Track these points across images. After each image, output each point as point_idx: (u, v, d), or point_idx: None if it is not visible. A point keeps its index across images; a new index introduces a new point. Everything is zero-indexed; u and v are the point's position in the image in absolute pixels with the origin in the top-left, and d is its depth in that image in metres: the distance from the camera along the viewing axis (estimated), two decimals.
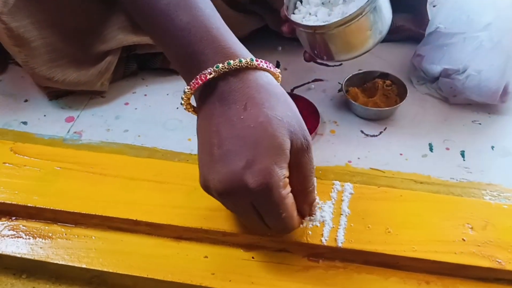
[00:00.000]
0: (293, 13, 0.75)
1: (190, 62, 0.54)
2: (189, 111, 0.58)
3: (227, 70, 0.52)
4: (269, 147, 0.50)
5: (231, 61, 0.52)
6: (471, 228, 0.61)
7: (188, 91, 0.54)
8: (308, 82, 0.91)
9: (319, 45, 0.73)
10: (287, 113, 0.52)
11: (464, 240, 0.59)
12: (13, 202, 0.64)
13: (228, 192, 0.51)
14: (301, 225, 0.59)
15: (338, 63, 0.94)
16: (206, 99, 0.54)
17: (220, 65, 0.52)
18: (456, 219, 0.62)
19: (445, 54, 0.84)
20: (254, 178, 0.50)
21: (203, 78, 0.53)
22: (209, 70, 0.52)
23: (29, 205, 0.64)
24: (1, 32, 0.77)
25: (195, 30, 0.54)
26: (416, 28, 0.96)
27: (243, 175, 0.50)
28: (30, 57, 0.79)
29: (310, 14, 0.73)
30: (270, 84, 0.54)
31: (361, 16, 0.67)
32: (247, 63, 0.52)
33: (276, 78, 0.56)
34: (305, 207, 0.58)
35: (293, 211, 0.55)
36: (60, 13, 0.82)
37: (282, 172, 0.51)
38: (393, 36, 0.94)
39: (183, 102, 0.56)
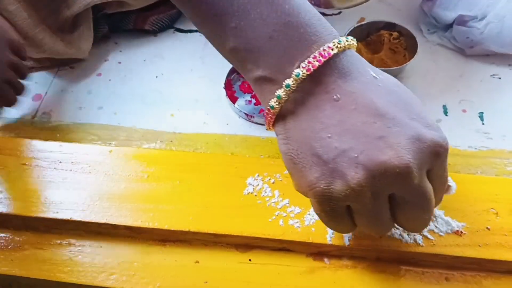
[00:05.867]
0: None
1: (296, 43, 0.42)
2: (271, 123, 0.46)
3: (346, 45, 0.42)
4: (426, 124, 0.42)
5: (343, 39, 0.42)
6: (496, 213, 0.53)
7: (301, 76, 0.42)
8: None
9: None
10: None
11: (488, 229, 0.52)
12: None
13: (386, 174, 0.40)
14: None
15: (337, 11, 0.82)
16: (318, 85, 0.43)
17: (343, 39, 0.42)
18: (478, 203, 0.54)
19: None
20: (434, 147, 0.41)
21: (325, 55, 0.41)
22: (330, 46, 0.42)
23: None
24: None
25: (302, 10, 0.43)
26: None
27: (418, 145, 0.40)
28: (16, 23, 0.69)
29: None
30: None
31: None
32: (351, 41, 0.43)
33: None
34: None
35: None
36: None
37: None
38: None
39: (276, 103, 0.43)
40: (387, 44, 0.74)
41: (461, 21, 0.73)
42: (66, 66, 0.78)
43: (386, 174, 0.39)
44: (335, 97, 0.42)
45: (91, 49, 0.79)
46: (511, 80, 0.71)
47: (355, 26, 0.75)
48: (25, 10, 0.70)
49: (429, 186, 0.42)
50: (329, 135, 0.41)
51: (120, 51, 0.80)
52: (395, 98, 0.42)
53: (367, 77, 0.43)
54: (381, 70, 0.70)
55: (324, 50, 0.42)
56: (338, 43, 0.42)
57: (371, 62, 0.72)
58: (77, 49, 0.76)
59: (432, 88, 0.72)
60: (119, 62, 0.79)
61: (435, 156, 0.41)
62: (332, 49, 0.42)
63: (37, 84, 0.77)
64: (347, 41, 0.42)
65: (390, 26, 0.75)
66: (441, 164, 0.42)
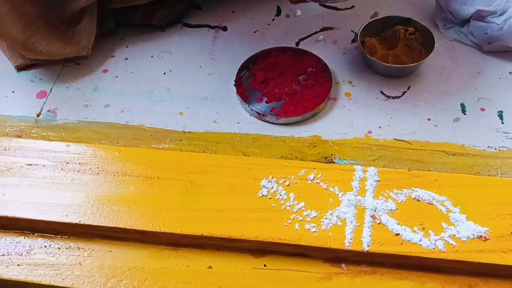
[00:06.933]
0: None
1: None
2: None
3: None
4: None
5: None
6: None
7: None
8: (316, 32, 0.77)
9: None
10: None
11: None
12: None
13: None
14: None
15: (350, 5, 0.80)
16: None
17: None
18: (502, 207, 0.52)
19: None
20: None
21: None
22: None
23: None
24: None
25: None
26: None
27: None
28: (4, 26, 0.67)
29: None
30: None
31: None
32: None
33: None
34: None
35: None
36: None
37: None
38: None
39: None
40: (402, 39, 0.71)
41: (479, 16, 0.70)
42: (72, 63, 0.76)
43: None
44: None
45: (97, 44, 0.77)
46: None
47: (369, 21, 0.73)
48: (15, 10, 0.67)
49: None
50: None
51: (127, 46, 0.78)
52: None
53: None
54: (397, 67, 0.69)
55: None
56: None
57: (386, 58, 0.70)
58: (77, 46, 0.73)
59: (449, 85, 0.69)
60: (126, 58, 0.77)
61: None
62: None
63: (42, 80, 0.75)
64: None
65: (406, 21, 0.73)
66: None
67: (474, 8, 0.70)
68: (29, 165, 0.59)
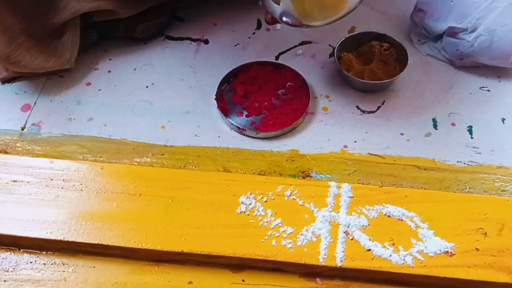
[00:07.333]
0: None
1: None
2: None
3: None
4: None
5: None
6: (485, 234, 0.54)
7: None
8: (295, 46, 0.79)
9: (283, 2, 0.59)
10: None
11: (477, 249, 0.53)
12: None
13: None
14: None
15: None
16: None
17: None
18: (468, 223, 0.55)
19: (451, 10, 0.72)
20: None
21: None
22: None
23: None
24: None
25: None
26: None
27: None
28: None
29: None
30: None
31: None
32: None
33: None
34: None
35: None
36: None
37: None
38: None
39: None
40: (378, 55, 0.74)
41: (451, 32, 0.73)
42: (55, 75, 0.77)
43: None
44: None
45: (80, 57, 0.78)
46: (499, 92, 0.72)
47: (346, 36, 0.75)
48: None
49: None
50: None
51: (110, 59, 0.79)
52: None
53: None
54: (372, 83, 0.71)
55: None
56: None
57: (362, 73, 0.72)
58: (60, 59, 0.74)
59: (422, 100, 0.72)
60: (109, 71, 0.78)
61: None
62: None
63: (26, 93, 0.76)
64: None
65: (381, 37, 0.75)
66: None
67: (446, 24, 0.73)
68: (14, 181, 0.60)
